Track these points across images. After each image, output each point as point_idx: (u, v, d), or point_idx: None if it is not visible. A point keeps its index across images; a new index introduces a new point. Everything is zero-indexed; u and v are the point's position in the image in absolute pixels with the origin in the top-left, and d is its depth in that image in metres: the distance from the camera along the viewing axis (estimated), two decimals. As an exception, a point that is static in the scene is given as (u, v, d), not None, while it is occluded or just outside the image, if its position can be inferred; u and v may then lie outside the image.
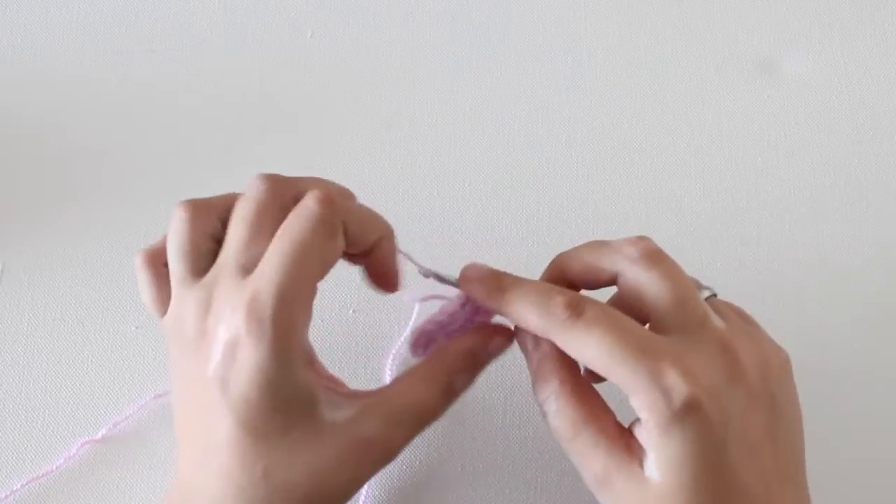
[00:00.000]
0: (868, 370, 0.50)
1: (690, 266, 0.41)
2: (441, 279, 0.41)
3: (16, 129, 0.55)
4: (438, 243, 0.53)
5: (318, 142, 0.56)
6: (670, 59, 0.58)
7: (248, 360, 0.34)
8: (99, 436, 0.48)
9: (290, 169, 0.55)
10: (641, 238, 0.38)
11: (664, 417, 0.34)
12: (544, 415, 0.38)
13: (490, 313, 0.41)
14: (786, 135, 0.56)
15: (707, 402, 0.34)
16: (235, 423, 0.35)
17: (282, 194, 0.38)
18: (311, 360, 0.37)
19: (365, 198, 0.54)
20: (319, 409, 0.36)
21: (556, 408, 0.37)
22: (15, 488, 0.47)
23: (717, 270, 0.52)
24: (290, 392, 0.35)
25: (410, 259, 0.42)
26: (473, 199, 0.54)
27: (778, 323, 0.39)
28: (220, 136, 0.56)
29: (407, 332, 0.50)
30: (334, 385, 0.39)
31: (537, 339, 0.38)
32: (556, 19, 0.59)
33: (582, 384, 0.38)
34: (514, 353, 0.49)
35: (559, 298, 0.36)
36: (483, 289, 0.38)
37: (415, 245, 0.53)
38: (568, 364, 0.38)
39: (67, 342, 0.50)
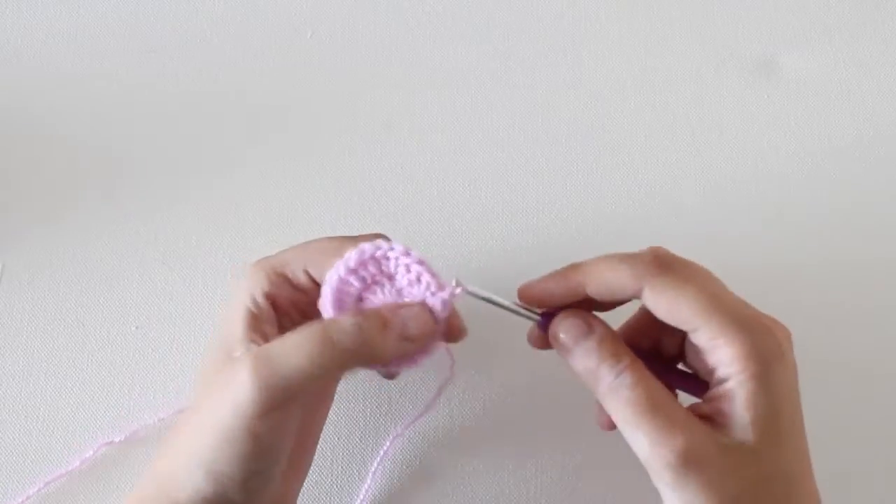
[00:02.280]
0: (868, 367, 0.51)
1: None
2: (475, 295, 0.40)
3: (16, 129, 0.55)
4: (438, 243, 0.53)
5: (319, 142, 0.56)
6: (670, 59, 0.58)
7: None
8: (118, 440, 0.48)
9: (289, 168, 0.55)
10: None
11: (760, 364, 0.35)
12: (613, 391, 0.36)
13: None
14: (786, 135, 0.56)
15: (787, 353, 0.36)
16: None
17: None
18: (259, 316, 0.39)
19: (365, 198, 0.54)
20: (237, 349, 0.38)
21: (634, 380, 0.36)
22: (31, 493, 0.47)
23: (716, 269, 0.52)
24: (227, 327, 0.39)
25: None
26: (473, 199, 0.54)
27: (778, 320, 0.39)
28: (219, 136, 0.56)
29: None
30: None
31: (590, 325, 0.38)
32: (556, 19, 0.59)
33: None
34: (513, 356, 0.50)
35: (647, 256, 0.38)
36: (555, 275, 0.39)
37: (415, 245, 0.53)
38: (627, 346, 0.38)
39: (67, 342, 0.50)
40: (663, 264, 0.37)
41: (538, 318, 0.40)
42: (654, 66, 0.58)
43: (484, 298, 0.39)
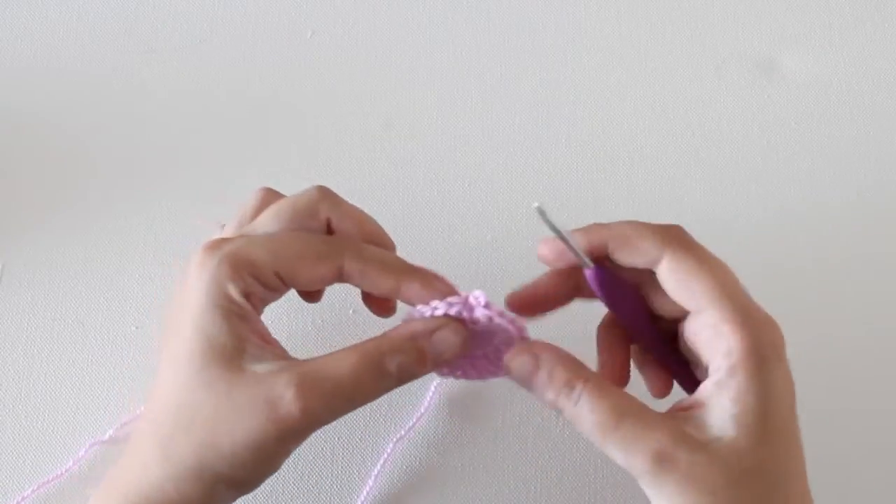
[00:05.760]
0: (867, 367, 0.50)
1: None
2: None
3: (16, 130, 0.55)
4: (437, 243, 0.53)
5: (318, 142, 0.56)
6: (670, 60, 0.58)
7: (185, 298, 0.37)
8: (106, 437, 0.48)
9: (290, 168, 0.55)
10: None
11: (757, 359, 0.34)
12: (576, 417, 0.36)
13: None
14: (786, 135, 0.56)
15: (784, 354, 0.36)
16: (167, 367, 0.37)
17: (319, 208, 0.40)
18: (245, 316, 0.37)
19: (365, 198, 0.54)
20: (243, 358, 0.36)
21: (591, 404, 0.36)
22: (27, 493, 0.47)
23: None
24: (212, 331, 0.36)
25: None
26: (473, 199, 0.54)
27: (777, 320, 0.39)
28: (219, 136, 0.56)
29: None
30: (271, 346, 0.38)
31: (535, 353, 0.37)
32: (555, 20, 0.59)
33: (602, 379, 0.37)
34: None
35: (673, 228, 0.37)
36: (579, 230, 0.38)
37: (414, 245, 0.53)
38: (581, 364, 0.37)
39: (67, 342, 0.50)
40: (688, 240, 0.37)
41: (590, 265, 0.38)
42: (654, 67, 0.58)
43: (552, 228, 0.37)
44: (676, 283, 0.36)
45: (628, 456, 0.35)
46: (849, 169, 0.55)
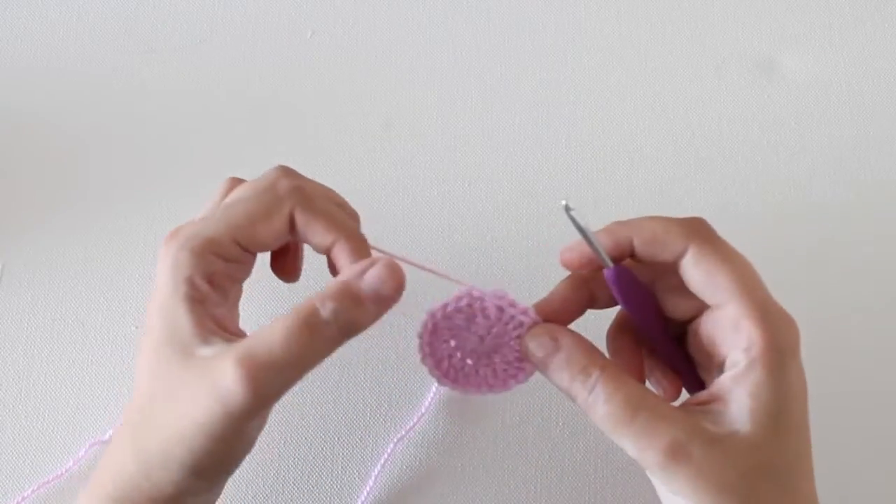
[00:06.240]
0: (867, 367, 0.50)
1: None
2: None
3: (16, 130, 0.55)
4: (438, 243, 0.53)
5: (318, 142, 0.56)
6: (670, 60, 0.58)
7: (155, 291, 0.37)
8: (106, 437, 0.48)
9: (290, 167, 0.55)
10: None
11: (776, 354, 0.34)
12: (590, 407, 0.36)
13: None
14: (786, 135, 0.56)
15: (799, 352, 0.36)
16: (139, 361, 0.37)
17: (279, 185, 0.40)
18: (204, 300, 0.36)
19: (365, 198, 0.54)
20: (196, 343, 0.35)
21: (606, 394, 0.35)
22: (27, 493, 0.47)
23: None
24: (173, 319, 0.36)
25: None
26: (473, 199, 0.54)
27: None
28: (219, 135, 0.56)
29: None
30: (224, 329, 0.37)
31: (556, 337, 0.37)
32: (556, 20, 0.59)
33: (619, 367, 0.37)
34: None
35: (697, 221, 0.37)
36: (602, 230, 0.38)
37: (414, 245, 0.53)
38: (599, 352, 0.37)
39: (67, 342, 0.50)
40: (711, 233, 0.37)
41: (611, 265, 0.38)
42: (654, 67, 0.58)
43: (577, 226, 0.38)
44: (700, 276, 0.36)
45: (641, 449, 0.35)
46: (849, 169, 0.55)
